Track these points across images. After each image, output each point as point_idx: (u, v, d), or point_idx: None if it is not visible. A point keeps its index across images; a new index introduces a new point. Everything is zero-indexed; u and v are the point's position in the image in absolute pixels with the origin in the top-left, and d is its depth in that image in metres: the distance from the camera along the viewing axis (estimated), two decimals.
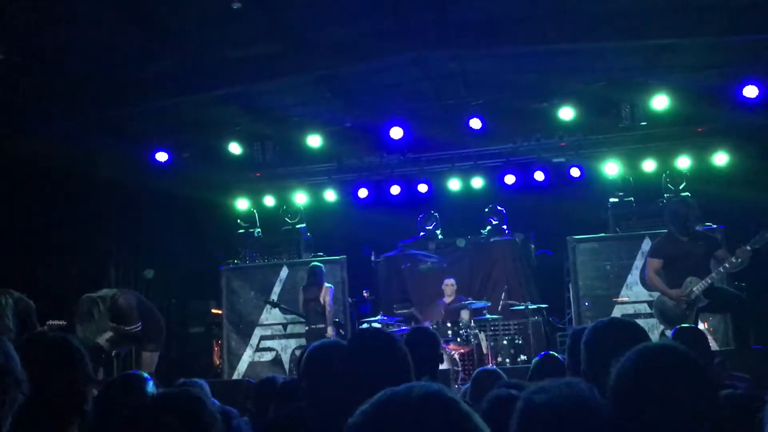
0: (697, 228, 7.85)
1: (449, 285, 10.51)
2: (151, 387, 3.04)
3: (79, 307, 7.45)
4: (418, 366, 4.43)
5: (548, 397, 1.87)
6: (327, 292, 10.04)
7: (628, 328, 2.98)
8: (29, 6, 6.82)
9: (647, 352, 2.09)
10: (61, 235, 9.53)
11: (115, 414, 2.91)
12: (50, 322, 7.41)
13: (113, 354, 8.07)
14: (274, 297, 11.03)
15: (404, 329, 9.35)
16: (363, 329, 9.04)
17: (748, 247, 6.94)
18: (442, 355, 4.37)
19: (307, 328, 10.05)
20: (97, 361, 7.99)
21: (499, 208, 11.60)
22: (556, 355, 4.68)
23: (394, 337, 2.91)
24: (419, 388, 1.27)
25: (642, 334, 2.92)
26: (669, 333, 6.93)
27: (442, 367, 8.63)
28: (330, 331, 9.89)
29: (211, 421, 2.08)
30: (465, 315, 10.02)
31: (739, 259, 7.02)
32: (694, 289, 7.15)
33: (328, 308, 10.02)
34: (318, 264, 10.29)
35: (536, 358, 4.79)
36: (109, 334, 7.70)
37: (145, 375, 3.15)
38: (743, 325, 7.35)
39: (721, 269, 7.17)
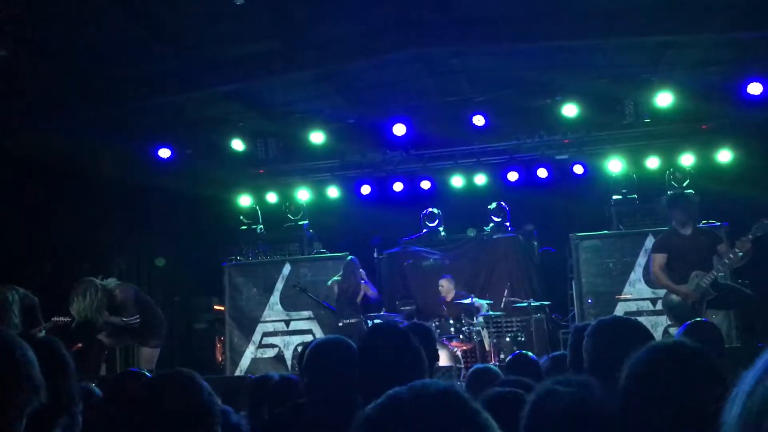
0: (699, 225, 7.86)
1: (444, 285, 10.45)
2: None
3: (79, 286, 7.52)
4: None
5: (559, 397, 1.87)
6: (366, 288, 10.11)
7: (632, 326, 2.98)
8: (33, 3, 6.82)
9: (661, 349, 2.08)
10: (64, 232, 9.54)
11: (117, 410, 2.93)
12: (55, 318, 7.42)
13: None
14: (276, 293, 11.06)
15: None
16: (378, 324, 9.06)
17: (750, 236, 6.93)
18: (437, 351, 4.39)
19: (340, 324, 9.97)
20: (99, 357, 8.03)
21: (502, 205, 11.58)
22: (529, 354, 4.76)
23: (408, 332, 2.91)
24: (434, 386, 1.28)
25: (645, 332, 2.93)
26: (674, 330, 6.94)
27: (445, 363, 8.66)
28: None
29: (210, 398, 2.10)
30: (475, 314, 10.02)
31: (741, 253, 7.00)
32: (701, 282, 7.13)
33: (374, 295, 10.20)
34: (354, 257, 10.31)
35: (510, 357, 4.86)
36: (106, 325, 7.74)
37: (146, 372, 3.16)
38: (749, 322, 7.34)
39: (726, 261, 7.15)
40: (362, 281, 10.15)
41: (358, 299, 9.98)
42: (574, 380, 1.96)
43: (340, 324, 9.94)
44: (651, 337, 2.93)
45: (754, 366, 0.96)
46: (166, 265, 11.48)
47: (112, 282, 7.87)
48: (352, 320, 9.81)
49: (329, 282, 10.35)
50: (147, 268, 11.25)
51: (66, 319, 7.50)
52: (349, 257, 10.32)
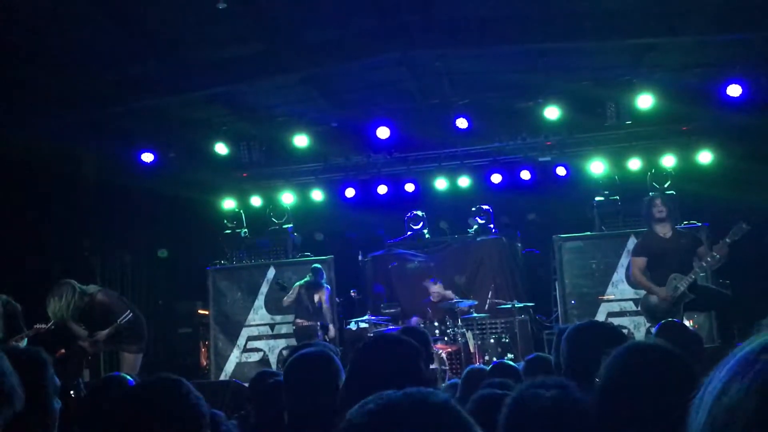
0: (679, 226, 7.94)
1: (435, 289, 10.43)
2: None
3: (57, 286, 7.44)
4: None
5: (538, 396, 1.88)
6: (324, 292, 10.13)
7: (608, 330, 3.03)
8: (15, 5, 6.77)
9: (635, 350, 2.11)
10: (46, 236, 9.46)
11: (98, 417, 2.92)
12: (37, 326, 7.32)
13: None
14: (260, 297, 11.06)
15: (392, 328, 9.36)
16: (377, 335, 9.10)
17: (728, 240, 7.01)
18: (432, 354, 4.38)
19: (294, 326, 10.09)
20: (81, 363, 7.95)
21: (485, 207, 11.62)
22: (511, 363, 4.78)
23: (411, 346, 2.84)
24: (432, 397, 1.23)
25: (621, 336, 2.97)
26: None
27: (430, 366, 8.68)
28: (332, 330, 10.06)
29: (195, 402, 2.10)
30: (459, 316, 10.04)
31: (717, 255, 7.09)
32: (679, 285, 7.21)
33: (325, 306, 10.13)
34: (319, 266, 10.35)
35: (491, 365, 4.87)
36: (108, 340, 7.70)
37: (127, 377, 3.14)
38: (728, 322, 7.42)
39: (704, 263, 7.23)
40: (326, 288, 10.18)
41: (316, 299, 10.02)
42: (551, 381, 1.98)
43: (294, 327, 10.03)
44: (626, 340, 2.97)
45: (719, 370, 0.94)
46: (150, 268, 11.42)
47: (92, 288, 7.78)
48: (308, 323, 9.87)
49: (294, 285, 10.35)
50: (130, 272, 11.18)
51: (47, 326, 7.40)
52: (314, 265, 10.32)
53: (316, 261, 10.85)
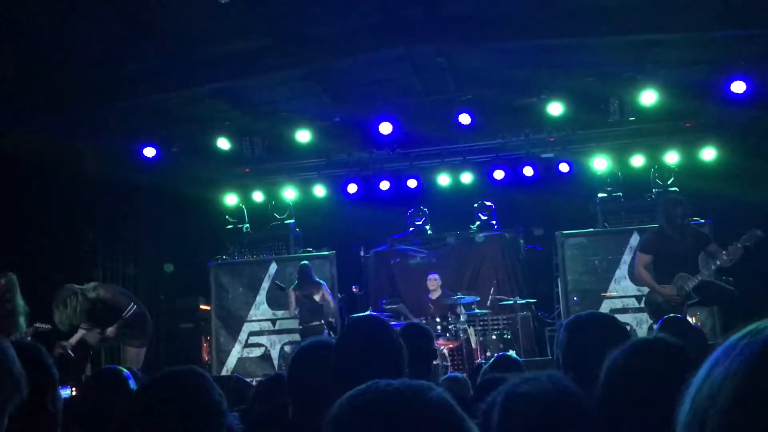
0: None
1: (433, 280, 10.44)
2: (132, 383, 3.02)
3: (58, 295, 7.45)
4: (411, 362, 4.43)
5: (528, 389, 1.86)
6: (323, 289, 9.99)
7: (607, 322, 2.98)
8: (17, 1, 6.76)
9: (641, 345, 2.10)
10: (47, 233, 9.46)
11: (97, 410, 2.91)
12: (36, 324, 7.32)
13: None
14: (262, 293, 11.03)
15: (393, 324, 9.33)
16: (358, 316, 9.08)
17: (739, 245, 6.98)
18: (435, 350, 4.37)
19: (300, 327, 9.99)
20: (84, 356, 7.95)
21: (488, 203, 11.60)
22: (516, 357, 4.76)
23: (389, 325, 2.87)
24: (408, 385, 1.20)
25: (621, 329, 2.93)
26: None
27: None
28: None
29: (219, 399, 2.09)
30: (461, 312, 10.01)
31: (731, 257, 7.05)
32: (685, 285, 7.17)
33: (332, 305, 10.01)
34: (306, 262, 10.24)
35: (494, 358, 4.83)
36: (116, 335, 7.71)
37: (125, 370, 3.13)
38: (731, 319, 7.40)
39: (713, 266, 7.19)
40: (321, 283, 10.06)
41: (318, 299, 9.90)
42: (543, 375, 1.95)
43: (301, 327, 9.94)
44: (626, 333, 2.93)
45: (706, 362, 0.94)
46: (152, 263, 11.42)
47: (92, 285, 7.76)
48: (314, 323, 9.76)
49: (288, 290, 10.27)
50: (132, 268, 11.17)
51: (47, 326, 7.38)
52: (302, 262, 10.25)
53: (315, 257, 10.85)
